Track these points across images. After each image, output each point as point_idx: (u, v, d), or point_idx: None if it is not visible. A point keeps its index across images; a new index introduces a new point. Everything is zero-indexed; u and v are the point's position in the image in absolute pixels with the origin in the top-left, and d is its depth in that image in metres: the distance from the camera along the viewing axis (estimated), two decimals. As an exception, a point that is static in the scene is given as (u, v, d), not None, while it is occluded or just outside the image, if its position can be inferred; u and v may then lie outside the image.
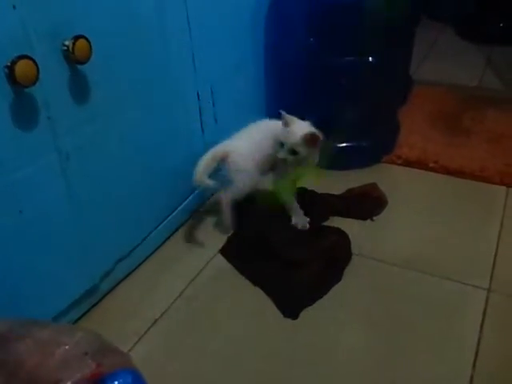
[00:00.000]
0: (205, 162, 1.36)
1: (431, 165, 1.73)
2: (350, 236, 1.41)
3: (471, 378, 1.07)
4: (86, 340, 0.86)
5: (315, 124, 1.72)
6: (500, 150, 1.79)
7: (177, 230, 1.50)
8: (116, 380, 0.80)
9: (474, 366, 1.09)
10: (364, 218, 1.51)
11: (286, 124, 1.37)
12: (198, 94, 1.44)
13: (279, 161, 1.38)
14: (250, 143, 1.42)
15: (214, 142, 1.54)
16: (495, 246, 1.39)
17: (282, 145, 1.35)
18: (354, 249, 1.39)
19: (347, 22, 1.57)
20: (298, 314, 1.23)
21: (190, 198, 1.53)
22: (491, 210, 1.53)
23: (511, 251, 1.38)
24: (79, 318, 1.22)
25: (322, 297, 1.27)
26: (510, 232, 1.44)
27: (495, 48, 2.57)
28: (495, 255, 1.36)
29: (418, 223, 1.50)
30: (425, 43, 2.59)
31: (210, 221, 1.55)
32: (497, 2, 2.67)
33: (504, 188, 1.61)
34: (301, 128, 1.36)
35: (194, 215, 1.55)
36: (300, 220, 1.44)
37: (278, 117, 1.81)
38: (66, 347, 0.83)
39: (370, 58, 1.62)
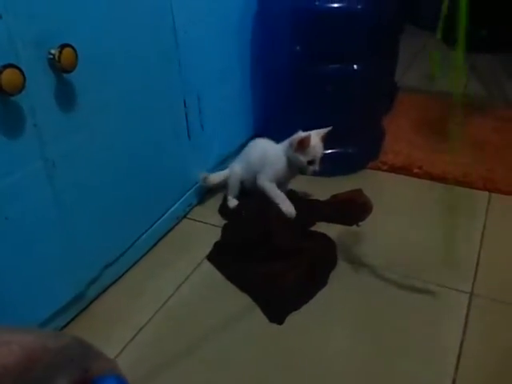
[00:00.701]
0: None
1: (415, 171, 1.76)
2: (336, 241, 1.43)
3: (453, 381, 1.08)
4: (72, 346, 0.86)
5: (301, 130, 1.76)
6: (483, 155, 1.82)
7: (164, 235, 1.50)
8: (102, 385, 0.81)
9: (456, 369, 1.11)
10: (349, 224, 1.52)
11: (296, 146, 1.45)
12: (184, 101, 1.45)
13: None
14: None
15: (201, 149, 1.56)
16: (478, 250, 1.42)
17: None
18: (340, 254, 1.41)
19: (333, 30, 1.59)
20: (284, 319, 1.24)
21: (178, 204, 1.53)
22: (474, 214, 1.55)
23: (493, 255, 1.40)
24: (66, 325, 1.22)
25: (307, 301, 1.28)
26: (493, 236, 1.47)
27: (479, 55, 2.61)
28: (478, 259, 1.39)
29: (403, 228, 1.52)
30: (410, 51, 2.62)
31: (197, 226, 1.56)
32: (480, 10, 2.71)
33: (486, 193, 1.64)
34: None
35: (181, 221, 1.56)
36: (287, 207, 1.47)
37: (265, 125, 1.85)
38: (53, 353, 0.83)
39: (355, 66, 1.65)
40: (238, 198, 1.61)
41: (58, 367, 0.82)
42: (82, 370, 0.81)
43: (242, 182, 1.60)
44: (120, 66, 1.20)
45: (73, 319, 1.24)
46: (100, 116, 1.16)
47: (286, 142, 1.51)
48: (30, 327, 1.01)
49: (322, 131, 1.48)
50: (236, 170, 1.60)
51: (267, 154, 1.53)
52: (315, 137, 1.45)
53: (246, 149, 1.61)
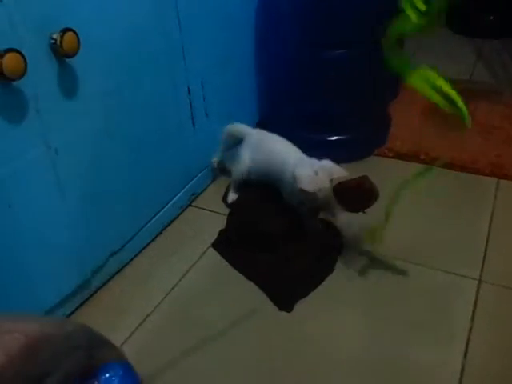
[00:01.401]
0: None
1: (422, 157, 1.74)
2: (342, 228, 1.42)
3: (462, 366, 1.08)
4: (77, 334, 0.86)
5: (306, 118, 1.74)
6: (490, 142, 1.80)
7: (169, 223, 1.50)
8: (107, 372, 0.80)
9: (465, 355, 1.10)
10: (355, 211, 1.50)
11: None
12: (188, 88, 1.44)
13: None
14: None
15: (205, 136, 1.55)
16: (486, 236, 1.40)
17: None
18: (346, 240, 1.40)
19: (337, 15, 1.57)
20: (293, 307, 1.23)
21: (183, 191, 1.52)
22: (482, 201, 1.54)
23: (502, 242, 1.39)
24: (72, 313, 1.22)
25: (315, 288, 1.27)
26: (501, 223, 1.45)
27: (486, 41, 2.58)
28: (486, 246, 1.37)
29: (409, 215, 1.50)
30: (416, 37, 2.59)
31: (202, 214, 1.55)
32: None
33: (495, 179, 1.62)
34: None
35: (186, 209, 1.55)
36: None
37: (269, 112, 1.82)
38: (57, 341, 0.83)
39: (359, 51, 1.62)
40: (239, 191, 1.56)
41: (64, 355, 0.81)
42: (88, 357, 0.81)
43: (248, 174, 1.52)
44: (123, 51, 1.18)
45: (78, 307, 1.24)
46: (103, 102, 1.15)
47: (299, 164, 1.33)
48: (35, 315, 1.01)
49: (336, 172, 1.31)
50: (246, 162, 1.50)
51: (286, 167, 1.37)
52: (321, 181, 1.29)
53: (260, 143, 1.49)
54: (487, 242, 1.39)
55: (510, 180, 1.62)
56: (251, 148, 1.50)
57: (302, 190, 1.26)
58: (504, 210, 1.49)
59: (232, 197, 1.55)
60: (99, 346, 0.86)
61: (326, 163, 1.31)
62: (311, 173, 1.28)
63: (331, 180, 1.31)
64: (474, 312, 1.19)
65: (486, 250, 1.36)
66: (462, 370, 1.07)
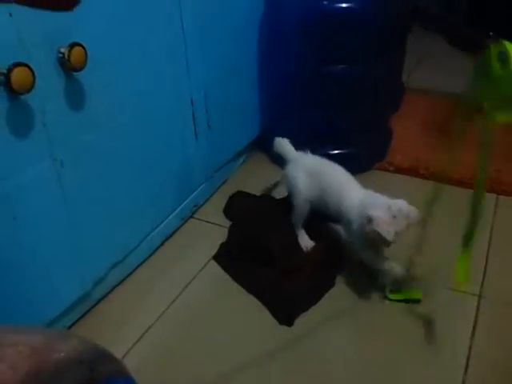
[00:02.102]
0: None
1: (422, 172, 1.75)
2: (343, 242, 1.42)
3: (463, 382, 1.08)
4: (82, 347, 0.86)
5: (308, 132, 1.75)
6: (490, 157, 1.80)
7: (171, 235, 1.50)
8: (110, 387, 0.80)
9: (465, 371, 1.11)
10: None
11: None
12: (191, 100, 1.45)
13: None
14: None
15: (208, 149, 1.56)
16: (486, 252, 1.41)
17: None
18: (347, 255, 1.40)
19: (340, 31, 1.59)
20: (293, 321, 1.24)
21: (184, 203, 1.53)
22: (481, 216, 1.54)
23: (502, 258, 1.40)
24: (72, 325, 1.22)
25: (316, 303, 1.28)
26: (500, 238, 1.46)
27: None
28: (486, 262, 1.38)
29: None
30: (417, 52, 2.61)
31: (204, 226, 1.55)
32: (486, 11, 2.71)
33: (494, 195, 1.63)
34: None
35: (187, 221, 1.56)
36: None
37: (272, 125, 1.83)
38: (62, 354, 0.82)
39: (363, 66, 1.64)
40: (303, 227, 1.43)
41: (67, 368, 0.81)
42: (91, 371, 0.81)
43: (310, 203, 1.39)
44: (129, 65, 1.19)
45: (79, 319, 1.24)
46: (108, 115, 1.16)
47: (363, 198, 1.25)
48: (37, 327, 1.01)
49: (413, 216, 1.19)
50: (302, 192, 1.38)
51: (350, 203, 1.27)
52: (400, 225, 1.17)
53: (317, 171, 1.37)
54: (487, 257, 1.40)
55: (509, 196, 1.63)
56: (306, 174, 1.39)
57: (377, 234, 1.16)
58: (503, 226, 1.50)
59: (303, 240, 1.41)
60: (101, 360, 0.86)
61: (403, 204, 1.19)
62: (389, 215, 1.16)
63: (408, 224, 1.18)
64: (474, 328, 1.20)
65: (486, 266, 1.37)
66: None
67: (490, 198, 1.63)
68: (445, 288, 1.30)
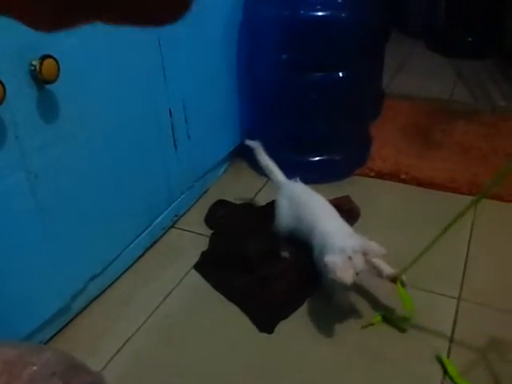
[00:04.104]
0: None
1: (403, 176, 1.76)
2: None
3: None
4: (55, 360, 0.86)
5: (289, 140, 1.76)
6: (469, 161, 1.83)
7: (151, 246, 1.50)
8: (84, 398, 0.80)
9: (444, 373, 1.11)
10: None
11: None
12: (170, 110, 1.45)
13: None
14: None
15: (187, 159, 1.56)
16: (465, 255, 1.42)
17: None
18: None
19: (318, 39, 1.60)
20: (274, 328, 1.24)
21: (165, 213, 1.53)
22: (461, 220, 1.55)
23: (480, 260, 1.41)
24: (51, 338, 1.21)
25: (296, 310, 1.28)
26: (479, 241, 1.47)
27: (465, 62, 2.63)
28: (465, 264, 1.39)
29: (390, 234, 1.51)
30: (397, 57, 2.64)
31: (184, 236, 1.55)
32: (466, 17, 2.75)
33: (473, 198, 1.64)
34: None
35: (168, 231, 1.56)
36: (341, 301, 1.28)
37: (251, 134, 1.83)
38: (34, 368, 0.82)
39: (341, 73, 1.65)
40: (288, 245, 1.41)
41: (40, 382, 0.81)
42: (64, 382, 0.81)
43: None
44: (103, 76, 1.19)
45: (59, 331, 1.23)
46: (83, 127, 1.16)
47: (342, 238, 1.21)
48: (13, 341, 1.00)
49: (372, 250, 1.18)
50: (284, 220, 1.40)
51: (315, 234, 1.28)
52: (356, 266, 1.15)
53: (299, 201, 1.38)
54: (466, 260, 1.41)
55: (488, 199, 1.64)
56: (289, 202, 1.40)
57: (332, 279, 1.15)
58: (482, 229, 1.51)
59: (284, 254, 1.41)
60: (77, 371, 0.86)
61: (357, 243, 1.17)
62: (344, 259, 1.14)
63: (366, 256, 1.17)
64: (453, 330, 1.20)
65: (465, 268, 1.38)
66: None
67: (469, 200, 1.63)
68: (423, 290, 1.31)
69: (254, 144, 1.50)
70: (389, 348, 1.18)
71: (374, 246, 1.18)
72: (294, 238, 1.39)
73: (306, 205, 1.37)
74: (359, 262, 1.15)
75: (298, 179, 1.45)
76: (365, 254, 1.16)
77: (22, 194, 1.04)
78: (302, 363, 1.15)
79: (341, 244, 1.17)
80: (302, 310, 1.28)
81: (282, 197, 1.41)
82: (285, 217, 1.39)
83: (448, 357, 1.14)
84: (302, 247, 1.38)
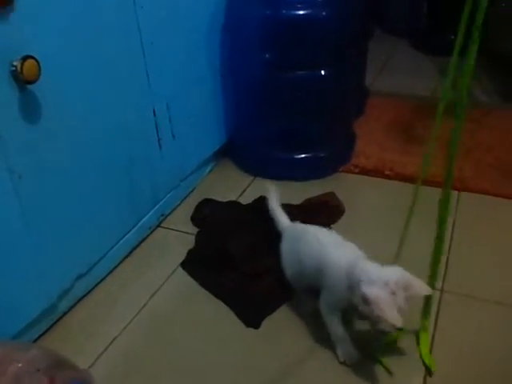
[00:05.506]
0: None
1: (387, 172, 1.78)
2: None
3: (425, 376, 1.10)
4: (40, 357, 0.87)
5: (273, 138, 1.77)
6: (452, 156, 1.85)
7: (138, 245, 1.50)
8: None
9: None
10: (322, 226, 1.53)
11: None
12: (153, 110, 1.46)
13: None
14: None
15: (173, 158, 1.57)
16: (448, 247, 1.44)
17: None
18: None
19: (299, 37, 1.62)
20: (260, 323, 1.25)
21: (151, 213, 1.53)
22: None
23: (463, 253, 1.43)
24: (39, 337, 1.22)
25: (281, 304, 1.29)
26: (462, 234, 1.49)
27: (447, 59, 2.66)
28: (448, 257, 1.41)
29: (374, 229, 1.54)
30: (381, 56, 2.67)
31: (171, 235, 1.56)
32: (447, 16, 2.78)
33: (455, 192, 1.67)
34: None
35: (154, 230, 1.56)
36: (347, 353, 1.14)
37: (237, 132, 1.84)
38: (19, 365, 0.83)
39: (323, 72, 1.67)
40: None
41: (24, 378, 0.82)
42: (48, 378, 0.82)
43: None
44: (86, 76, 1.20)
45: (46, 331, 1.23)
46: (66, 127, 1.16)
47: (351, 259, 1.09)
48: (-1, 340, 1.01)
49: (415, 287, 1.02)
50: (287, 271, 1.26)
51: (326, 266, 1.12)
52: (401, 302, 0.99)
53: (295, 243, 1.24)
54: (449, 252, 1.43)
55: (471, 192, 1.67)
56: (290, 246, 1.26)
57: (377, 317, 0.99)
58: (464, 222, 1.54)
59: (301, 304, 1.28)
60: (61, 367, 0.87)
61: (400, 275, 1.02)
62: (388, 294, 0.98)
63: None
64: (436, 322, 1.22)
65: (447, 261, 1.40)
66: (424, 381, 1.10)
67: (452, 195, 1.66)
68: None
69: (272, 189, 1.35)
70: (373, 341, 1.19)
71: (417, 282, 1.02)
72: (303, 285, 1.25)
73: (308, 242, 1.20)
74: (402, 298, 0.98)
75: (298, 222, 1.31)
76: (406, 289, 1.00)
77: (4, 195, 1.04)
78: (288, 359, 1.17)
79: (380, 274, 1.01)
80: (289, 305, 1.29)
81: (284, 241, 1.28)
82: (288, 262, 1.25)
83: (431, 348, 1.16)
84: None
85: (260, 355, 1.18)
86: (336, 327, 1.13)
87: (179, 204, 1.67)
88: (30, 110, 1.06)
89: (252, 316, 1.26)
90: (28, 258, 1.13)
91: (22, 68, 0.99)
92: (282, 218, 1.32)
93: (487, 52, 2.62)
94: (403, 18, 2.95)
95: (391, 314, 0.95)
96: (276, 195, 1.35)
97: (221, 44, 1.74)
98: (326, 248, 1.15)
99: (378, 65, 2.59)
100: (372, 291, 0.98)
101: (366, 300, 0.98)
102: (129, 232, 1.45)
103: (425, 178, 1.71)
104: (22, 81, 1.01)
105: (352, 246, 1.16)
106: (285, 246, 1.27)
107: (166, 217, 1.61)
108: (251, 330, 1.24)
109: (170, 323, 1.27)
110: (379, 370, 1.12)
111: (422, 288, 1.03)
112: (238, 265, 1.34)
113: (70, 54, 1.14)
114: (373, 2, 2.40)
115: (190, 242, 1.50)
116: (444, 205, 1.14)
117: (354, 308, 1.05)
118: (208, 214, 1.57)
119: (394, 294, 0.98)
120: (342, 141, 1.88)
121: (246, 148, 1.86)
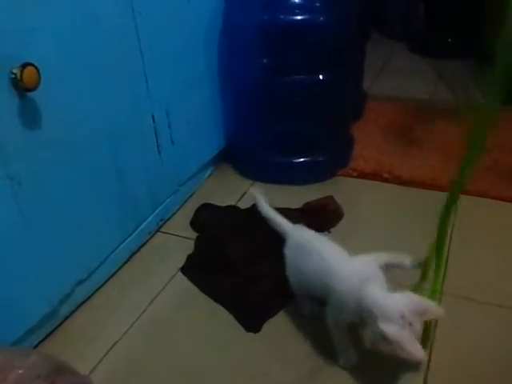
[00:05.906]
0: None
1: (385, 176, 1.79)
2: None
3: (425, 378, 1.10)
4: (40, 363, 0.87)
5: (272, 141, 1.78)
6: (449, 158, 1.86)
7: (138, 250, 1.51)
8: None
9: (428, 366, 1.13)
10: (321, 231, 1.54)
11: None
12: (152, 116, 1.47)
13: None
14: None
15: (172, 164, 1.58)
16: (446, 250, 1.44)
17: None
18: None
19: (297, 42, 1.63)
20: (260, 327, 1.25)
21: (150, 218, 1.54)
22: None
23: (462, 255, 1.43)
24: (39, 343, 1.22)
25: (282, 308, 1.29)
26: (460, 237, 1.50)
27: (445, 63, 2.68)
28: (447, 259, 1.42)
29: (373, 232, 1.54)
30: (378, 60, 2.69)
31: (171, 239, 1.56)
32: (445, 19, 2.80)
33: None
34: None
35: (154, 235, 1.57)
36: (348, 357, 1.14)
37: (235, 137, 1.85)
38: (20, 371, 0.84)
39: (321, 76, 1.68)
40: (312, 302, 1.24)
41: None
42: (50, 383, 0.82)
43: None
44: (85, 83, 1.21)
45: (46, 337, 1.24)
46: (66, 134, 1.17)
47: (362, 273, 1.07)
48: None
49: (430, 312, 1.00)
50: (291, 279, 1.24)
51: (331, 286, 1.08)
52: (417, 332, 0.97)
53: (298, 253, 1.20)
54: (448, 255, 1.43)
55: (469, 195, 1.68)
56: (295, 253, 1.22)
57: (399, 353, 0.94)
58: (463, 225, 1.54)
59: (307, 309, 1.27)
60: (62, 373, 0.87)
61: (412, 302, 0.99)
62: (406, 328, 0.95)
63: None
64: (435, 325, 1.22)
65: (446, 263, 1.40)
66: (425, 381, 1.10)
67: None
68: (406, 286, 1.33)
69: (257, 192, 1.33)
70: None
71: (431, 306, 1.00)
72: (307, 295, 1.23)
73: (311, 259, 1.16)
74: (418, 325, 0.96)
75: (301, 225, 1.27)
76: (421, 315, 0.98)
77: (4, 201, 1.05)
78: (290, 362, 1.17)
79: (395, 307, 0.97)
80: (289, 309, 1.30)
81: (288, 248, 1.24)
82: (291, 270, 1.23)
83: (430, 352, 1.16)
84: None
85: (260, 359, 1.18)
86: (341, 337, 1.13)
87: (178, 209, 1.68)
88: (30, 117, 1.07)
89: (252, 320, 1.26)
90: (28, 263, 1.13)
91: (21, 75, 1.00)
92: (283, 221, 1.29)
93: (483, 56, 2.64)
94: (400, 21, 2.97)
95: (414, 349, 0.93)
96: (264, 197, 1.32)
97: (219, 49, 1.75)
98: (330, 269, 1.11)
99: (376, 68, 2.61)
100: (392, 330, 0.94)
101: (386, 339, 0.95)
102: (128, 237, 1.46)
103: (420, 181, 1.73)
104: (21, 88, 1.02)
105: (358, 263, 1.13)
106: (288, 253, 1.24)
107: (166, 222, 1.62)
108: (251, 334, 1.24)
109: (170, 328, 1.27)
110: (380, 373, 1.12)
111: (436, 312, 1.01)
112: (238, 269, 1.35)
113: (70, 61, 1.15)
114: (370, 5, 2.41)
115: (189, 246, 1.51)
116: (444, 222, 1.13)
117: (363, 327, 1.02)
118: (207, 219, 1.58)
119: (411, 324, 0.96)
120: (341, 144, 1.89)
121: (244, 152, 1.86)
